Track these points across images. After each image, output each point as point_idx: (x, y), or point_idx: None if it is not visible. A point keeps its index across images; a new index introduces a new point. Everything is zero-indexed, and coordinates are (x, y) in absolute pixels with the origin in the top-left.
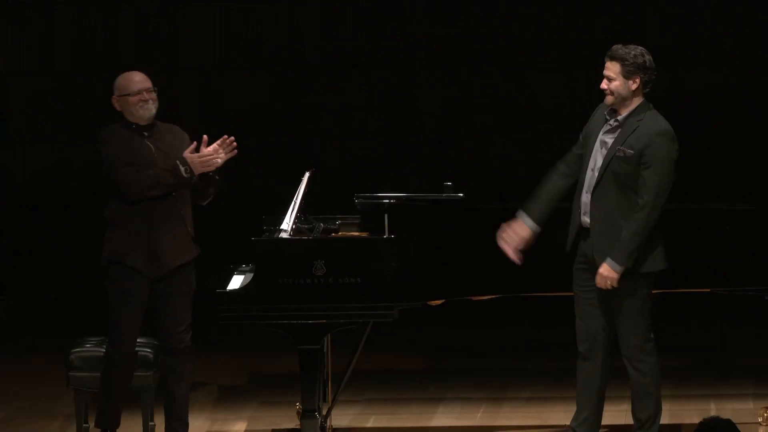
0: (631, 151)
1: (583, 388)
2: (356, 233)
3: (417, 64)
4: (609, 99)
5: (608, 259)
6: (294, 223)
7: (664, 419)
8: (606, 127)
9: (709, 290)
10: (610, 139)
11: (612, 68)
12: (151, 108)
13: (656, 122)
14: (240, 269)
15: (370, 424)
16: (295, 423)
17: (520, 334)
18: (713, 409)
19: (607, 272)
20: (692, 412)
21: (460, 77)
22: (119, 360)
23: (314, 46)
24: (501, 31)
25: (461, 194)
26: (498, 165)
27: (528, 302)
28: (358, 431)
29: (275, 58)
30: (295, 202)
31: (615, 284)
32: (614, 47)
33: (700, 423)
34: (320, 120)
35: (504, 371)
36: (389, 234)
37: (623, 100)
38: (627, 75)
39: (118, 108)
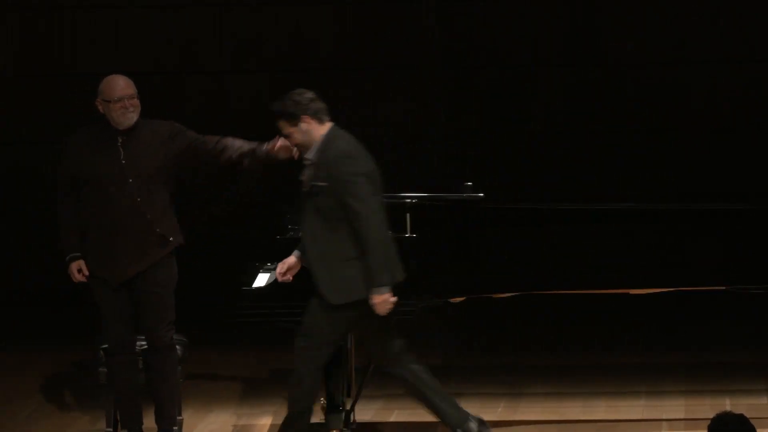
0: (324, 183)
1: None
2: None
3: (417, 64)
4: (302, 151)
5: (372, 289)
6: None
7: (680, 414)
8: (305, 168)
9: (725, 288)
10: (308, 178)
11: (282, 126)
12: (132, 116)
13: (330, 150)
14: (265, 267)
15: (392, 419)
16: (319, 417)
17: (537, 332)
18: (728, 404)
19: (379, 299)
20: (707, 408)
21: (459, 77)
22: (116, 350)
23: (314, 47)
24: (502, 31)
25: (482, 194)
26: (498, 165)
27: (547, 300)
28: (381, 425)
29: (275, 59)
30: None
31: (392, 301)
32: (273, 107)
33: (714, 418)
34: None
35: (522, 368)
36: (411, 233)
37: (309, 142)
38: (294, 123)
39: (101, 111)
